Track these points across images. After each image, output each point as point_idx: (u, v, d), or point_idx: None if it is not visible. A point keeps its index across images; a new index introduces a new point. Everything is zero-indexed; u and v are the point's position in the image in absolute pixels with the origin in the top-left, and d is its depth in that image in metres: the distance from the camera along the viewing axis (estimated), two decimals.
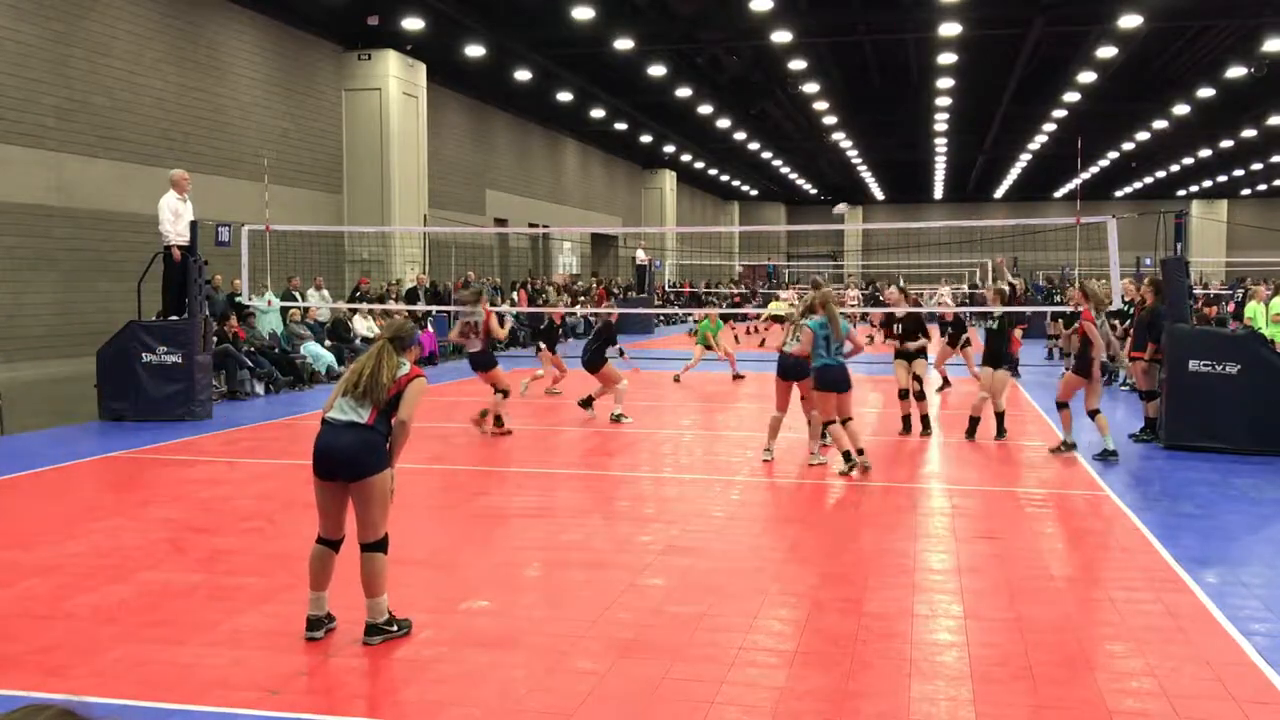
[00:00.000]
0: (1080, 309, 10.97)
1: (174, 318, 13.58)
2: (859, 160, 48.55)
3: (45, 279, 16.91)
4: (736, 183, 57.55)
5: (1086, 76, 28.67)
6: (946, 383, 16.79)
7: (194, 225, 13.61)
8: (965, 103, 33.80)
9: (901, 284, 14.65)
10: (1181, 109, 33.35)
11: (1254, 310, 17.39)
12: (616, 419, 13.19)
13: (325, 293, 20.67)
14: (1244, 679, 4.93)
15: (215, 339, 14.47)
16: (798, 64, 27.53)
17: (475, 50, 24.82)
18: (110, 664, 5.05)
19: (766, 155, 45.86)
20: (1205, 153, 43.78)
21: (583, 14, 21.88)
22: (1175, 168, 49.16)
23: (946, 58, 27.09)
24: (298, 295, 18.73)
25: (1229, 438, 10.60)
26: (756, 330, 29.81)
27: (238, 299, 16.61)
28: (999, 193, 59.85)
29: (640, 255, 37.82)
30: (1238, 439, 10.56)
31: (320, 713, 4.52)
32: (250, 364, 15.58)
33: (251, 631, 5.51)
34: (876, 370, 18.50)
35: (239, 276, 16.18)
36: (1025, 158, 46.60)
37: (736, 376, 18.40)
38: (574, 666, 5.09)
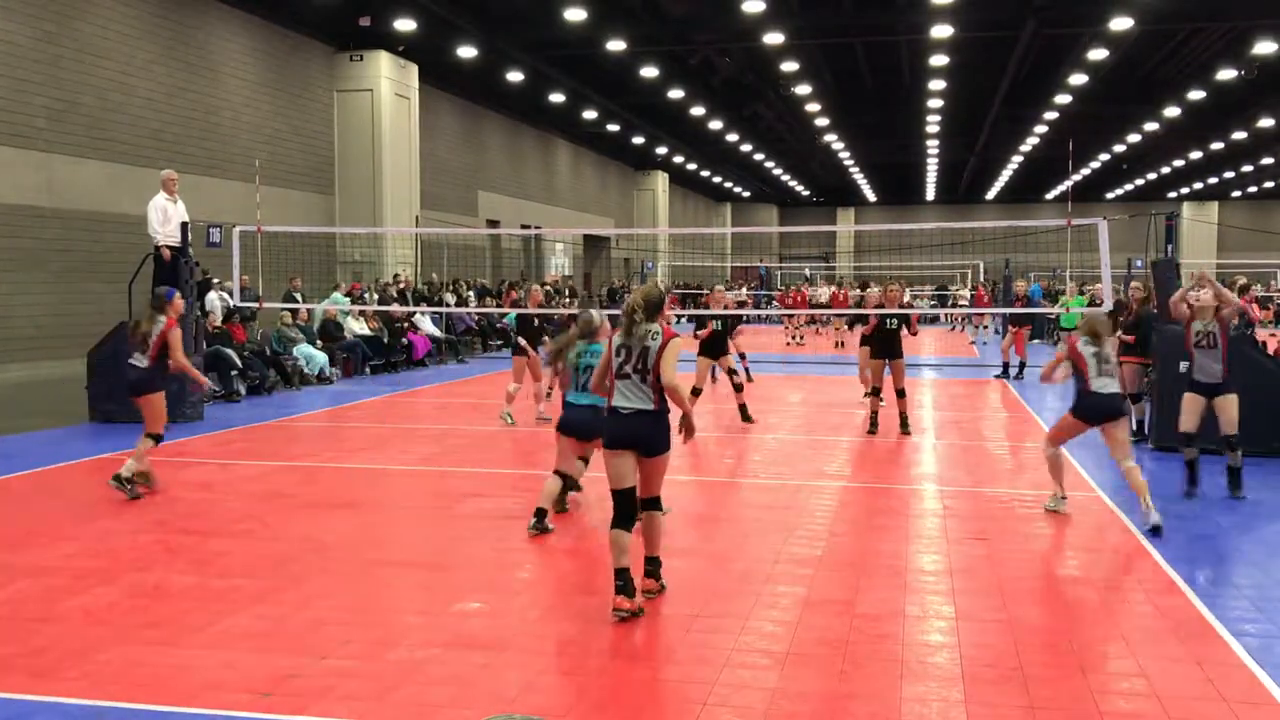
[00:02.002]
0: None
1: None
2: (851, 162, 48.63)
3: (35, 280, 16.86)
4: (729, 184, 57.61)
5: (1078, 79, 28.76)
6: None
7: (185, 226, 13.57)
8: (957, 105, 33.89)
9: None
10: (1172, 111, 33.48)
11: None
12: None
13: (338, 295, 20.52)
14: (1234, 680, 4.95)
15: (205, 341, 14.41)
16: (790, 66, 27.58)
17: (467, 51, 24.83)
18: (101, 666, 5.04)
19: (759, 157, 45.91)
20: (1196, 155, 43.94)
21: (575, 15, 21.88)
22: (1166, 170, 49.35)
23: (938, 60, 27.16)
24: (299, 296, 18.65)
25: (1218, 439, 10.60)
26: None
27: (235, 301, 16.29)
28: (991, 194, 60.00)
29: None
30: None
31: (312, 715, 4.52)
32: (240, 365, 15.51)
33: (243, 633, 5.50)
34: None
35: (230, 278, 16.10)
36: (1017, 160, 46.72)
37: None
38: (566, 668, 5.09)
